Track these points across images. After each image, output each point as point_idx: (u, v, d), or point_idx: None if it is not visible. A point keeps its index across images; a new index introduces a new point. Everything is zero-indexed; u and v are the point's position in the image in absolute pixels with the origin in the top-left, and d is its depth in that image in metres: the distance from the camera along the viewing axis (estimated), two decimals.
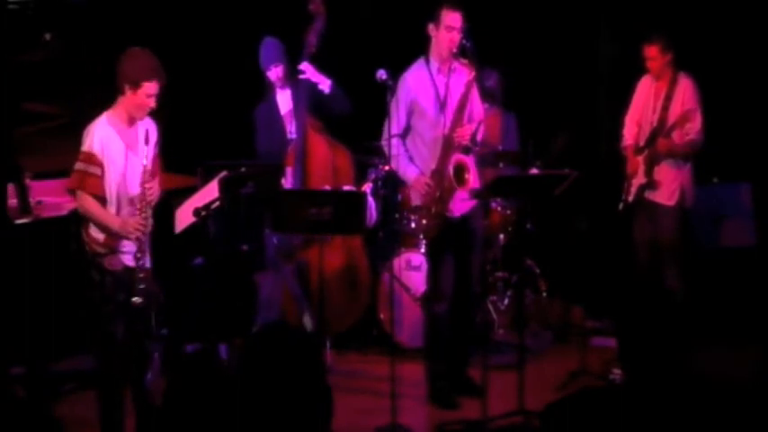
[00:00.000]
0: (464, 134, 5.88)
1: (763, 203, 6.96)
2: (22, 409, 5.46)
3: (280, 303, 6.78)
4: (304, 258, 6.76)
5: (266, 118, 6.93)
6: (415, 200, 6.14)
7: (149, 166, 5.12)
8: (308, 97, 6.69)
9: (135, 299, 5.08)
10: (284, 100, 6.92)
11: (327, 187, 6.60)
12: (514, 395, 5.66)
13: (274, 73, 6.85)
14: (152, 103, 5.09)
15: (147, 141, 5.12)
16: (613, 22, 7.74)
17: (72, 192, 5.18)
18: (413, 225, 7.17)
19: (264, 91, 6.98)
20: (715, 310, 6.76)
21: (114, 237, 5.11)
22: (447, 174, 5.86)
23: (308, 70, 6.66)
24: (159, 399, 5.13)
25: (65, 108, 6.84)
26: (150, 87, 5.05)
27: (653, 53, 6.59)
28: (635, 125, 6.76)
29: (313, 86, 6.69)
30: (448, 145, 5.89)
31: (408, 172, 6.02)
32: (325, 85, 6.70)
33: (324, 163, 6.75)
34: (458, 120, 5.90)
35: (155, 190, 5.17)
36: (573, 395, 5.42)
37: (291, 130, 6.84)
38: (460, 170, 5.90)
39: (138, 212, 5.08)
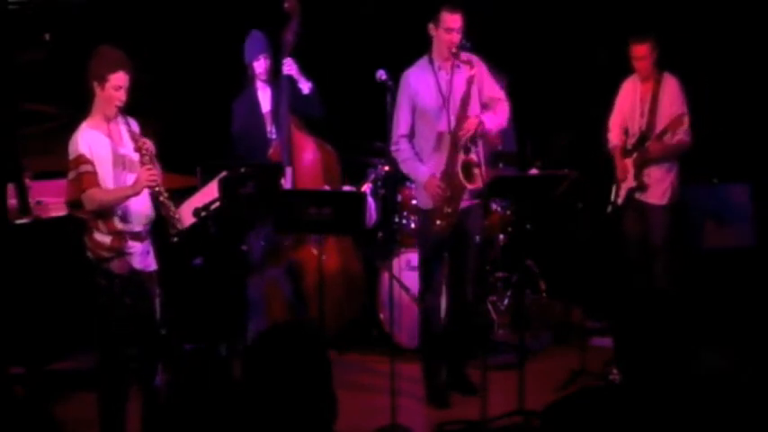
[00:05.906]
0: (469, 127, 5.86)
1: (762, 203, 6.96)
2: (22, 409, 5.45)
3: (265, 306, 6.77)
4: (295, 259, 6.76)
5: (246, 112, 6.83)
6: (423, 202, 6.11)
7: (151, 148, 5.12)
8: (289, 96, 6.65)
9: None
10: (264, 99, 6.85)
11: (327, 187, 6.60)
12: (514, 395, 5.67)
13: (261, 65, 6.78)
14: (121, 95, 5.07)
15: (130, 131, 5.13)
16: (611, 22, 7.73)
17: (73, 206, 5.14)
18: (413, 225, 7.18)
19: (244, 83, 6.90)
20: (714, 310, 6.76)
21: (121, 239, 5.11)
22: (456, 174, 5.85)
23: (291, 68, 6.63)
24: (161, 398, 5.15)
25: (65, 108, 6.84)
26: (116, 79, 5.04)
27: (643, 52, 6.49)
28: (619, 128, 6.73)
29: (293, 83, 6.67)
30: (455, 142, 5.88)
31: (420, 174, 6.00)
32: (305, 86, 6.67)
33: (313, 162, 6.74)
34: (462, 116, 5.89)
35: (156, 172, 5.12)
36: (573, 395, 5.42)
37: (271, 130, 6.80)
38: (468, 167, 5.89)
39: (142, 165, 5.06)
